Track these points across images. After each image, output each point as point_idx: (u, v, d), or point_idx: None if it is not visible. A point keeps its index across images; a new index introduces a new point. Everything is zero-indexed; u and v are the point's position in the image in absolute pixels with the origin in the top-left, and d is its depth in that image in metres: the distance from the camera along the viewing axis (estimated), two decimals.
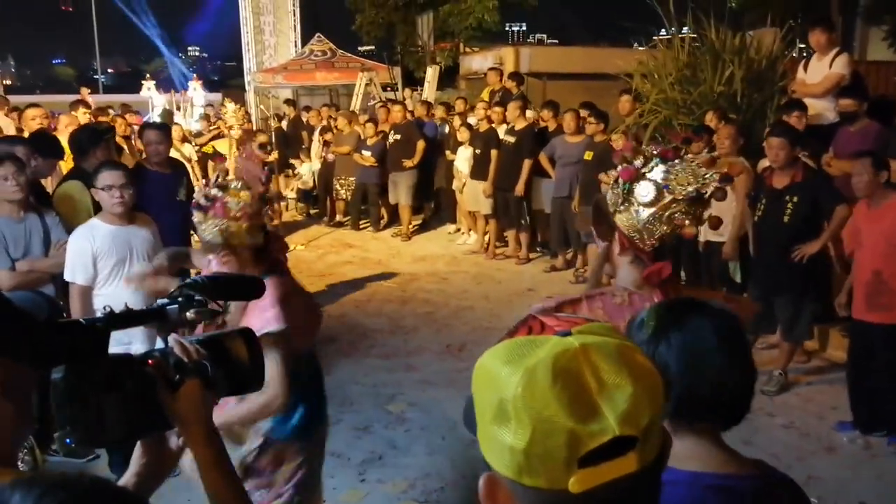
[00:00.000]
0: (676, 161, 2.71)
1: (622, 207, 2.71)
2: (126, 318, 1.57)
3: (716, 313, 1.64)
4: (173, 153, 9.11)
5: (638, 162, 2.73)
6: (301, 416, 3.32)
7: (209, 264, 3.40)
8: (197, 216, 3.13)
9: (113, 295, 4.62)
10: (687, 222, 2.69)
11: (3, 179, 4.83)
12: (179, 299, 1.68)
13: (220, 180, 3.17)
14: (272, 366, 2.88)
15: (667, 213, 2.66)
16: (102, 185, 4.60)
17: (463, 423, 1.10)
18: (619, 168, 2.76)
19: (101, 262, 4.62)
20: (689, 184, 2.67)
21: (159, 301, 1.71)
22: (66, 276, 4.63)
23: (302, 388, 3.27)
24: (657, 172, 2.69)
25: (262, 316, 3.02)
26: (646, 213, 2.66)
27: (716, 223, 2.91)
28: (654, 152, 2.74)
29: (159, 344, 1.64)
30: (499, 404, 0.98)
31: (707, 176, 2.69)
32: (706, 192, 2.70)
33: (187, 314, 1.67)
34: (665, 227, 2.67)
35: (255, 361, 1.67)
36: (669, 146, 2.78)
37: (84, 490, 0.95)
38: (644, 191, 2.68)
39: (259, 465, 3.29)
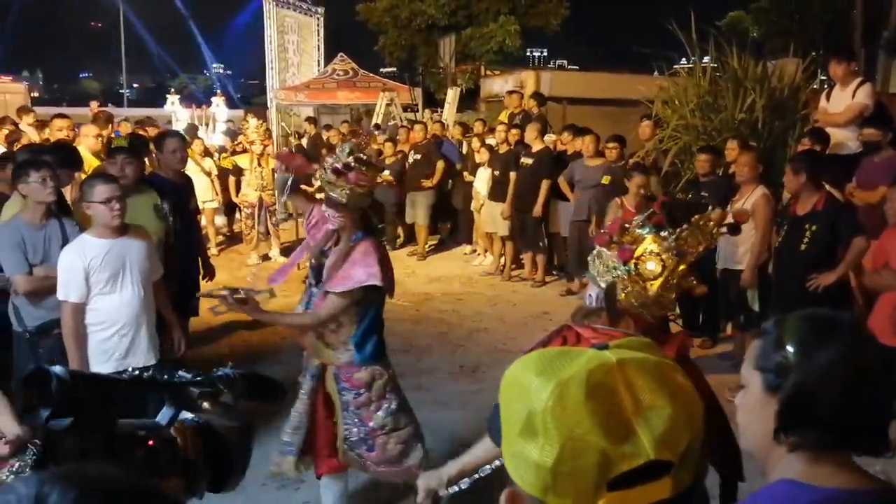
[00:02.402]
0: (684, 226, 2.66)
1: (630, 288, 2.64)
2: (145, 383, 1.53)
3: (854, 325, 1.58)
4: (194, 167, 9.16)
5: (627, 240, 2.68)
6: (373, 344, 4.24)
7: (316, 214, 4.32)
8: (331, 177, 3.88)
9: (105, 309, 4.65)
10: (695, 282, 2.67)
11: (41, 182, 4.87)
12: (204, 384, 1.59)
13: (356, 154, 3.91)
14: (335, 306, 4.05)
15: (675, 281, 2.63)
16: (101, 198, 4.54)
17: (487, 433, 1.06)
18: (613, 250, 2.69)
19: (94, 277, 4.57)
20: (699, 243, 2.65)
21: (183, 374, 1.61)
22: (60, 296, 4.57)
23: (375, 325, 4.25)
24: (654, 244, 2.63)
25: (366, 270, 3.98)
26: (656, 286, 2.61)
27: (734, 228, 2.88)
28: (642, 222, 2.68)
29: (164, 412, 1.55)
30: (527, 417, 0.93)
31: (715, 231, 2.68)
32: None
33: (204, 404, 1.57)
34: (673, 294, 2.65)
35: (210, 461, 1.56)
36: (652, 213, 2.72)
37: (122, 491, 0.92)
38: (651, 265, 2.63)
39: (355, 384, 4.18)
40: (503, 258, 11.45)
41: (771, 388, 1.57)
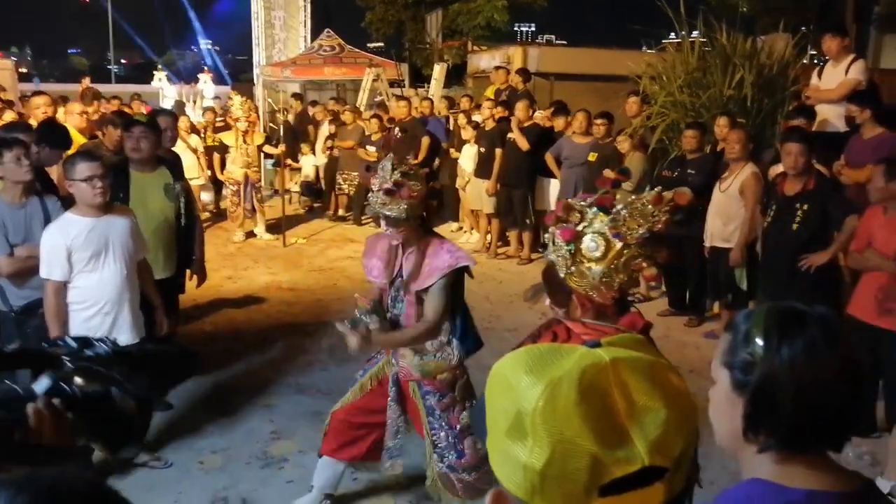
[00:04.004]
0: (620, 207, 2.60)
1: (573, 269, 2.60)
2: (12, 357, 1.50)
3: (825, 320, 1.53)
4: (180, 143, 9.09)
5: (574, 218, 2.63)
6: (472, 333, 4.25)
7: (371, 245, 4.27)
8: (385, 199, 3.82)
9: (88, 287, 4.63)
10: (644, 264, 2.59)
11: (16, 161, 4.79)
12: (77, 360, 1.54)
13: (401, 168, 3.87)
14: (440, 300, 3.96)
15: (622, 261, 2.56)
16: (82, 176, 4.50)
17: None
18: (557, 229, 2.66)
19: (76, 256, 4.55)
20: (640, 225, 2.57)
21: (68, 341, 1.58)
22: (42, 274, 4.56)
23: (468, 314, 4.26)
24: (600, 224, 2.59)
25: (450, 255, 3.96)
26: (599, 267, 2.56)
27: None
28: (589, 203, 2.64)
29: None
30: (516, 416, 0.88)
31: (656, 214, 2.58)
32: (656, 230, 2.59)
33: (76, 379, 1.49)
34: (623, 276, 2.57)
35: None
36: (603, 193, 2.67)
37: (54, 488, 0.88)
38: (592, 245, 2.57)
39: (438, 387, 4.10)
40: (489, 235, 11.41)
41: (738, 386, 1.53)
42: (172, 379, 1.86)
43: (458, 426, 4.16)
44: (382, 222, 3.95)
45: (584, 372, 0.88)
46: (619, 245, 2.56)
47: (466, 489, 4.15)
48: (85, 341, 1.58)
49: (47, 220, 4.85)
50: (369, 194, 3.99)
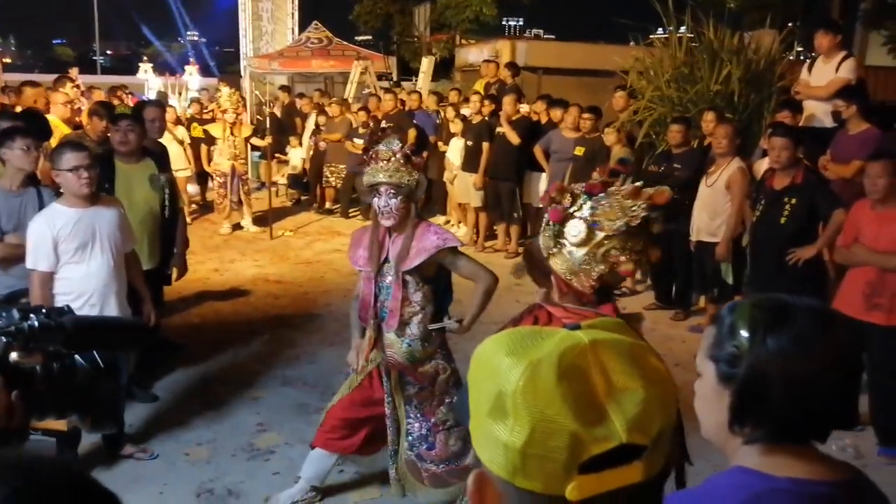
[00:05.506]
0: (602, 195, 2.60)
1: (555, 250, 2.61)
2: None
3: (812, 311, 1.52)
4: (166, 135, 9.06)
5: (566, 201, 2.64)
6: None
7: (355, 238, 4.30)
8: (396, 167, 3.93)
9: (74, 278, 4.61)
10: (623, 258, 2.57)
11: (25, 150, 4.84)
12: (12, 334, 1.47)
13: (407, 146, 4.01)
14: (470, 262, 4.19)
15: (601, 251, 2.55)
16: (68, 166, 4.49)
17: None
18: (548, 209, 2.67)
19: (63, 247, 4.54)
20: (618, 218, 2.55)
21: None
22: (28, 265, 4.54)
23: (449, 295, 4.43)
24: (586, 210, 2.59)
25: (443, 235, 4.07)
26: (579, 253, 2.56)
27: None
28: (582, 189, 2.64)
29: None
30: (497, 397, 0.89)
31: (634, 208, 2.56)
32: (637, 224, 2.57)
33: (12, 354, 1.45)
34: (602, 266, 2.56)
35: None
36: (597, 180, 2.67)
37: (41, 476, 0.87)
38: (574, 230, 2.58)
39: (419, 378, 4.17)
40: (477, 229, 11.41)
41: (725, 379, 1.53)
42: (122, 347, 1.81)
43: (433, 419, 4.20)
44: (383, 198, 3.96)
45: (564, 353, 0.89)
46: (599, 235, 2.56)
47: (431, 479, 4.19)
48: (26, 312, 1.52)
49: (42, 209, 4.84)
50: (367, 167, 4.01)
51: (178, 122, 13.00)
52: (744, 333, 1.50)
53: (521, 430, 0.86)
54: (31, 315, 1.50)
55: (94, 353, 1.55)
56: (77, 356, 1.50)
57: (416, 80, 18.41)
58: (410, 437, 4.21)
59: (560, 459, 0.85)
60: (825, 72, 7.83)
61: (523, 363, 0.89)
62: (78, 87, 12.10)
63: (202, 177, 13.33)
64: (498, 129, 10.59)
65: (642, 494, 0.90)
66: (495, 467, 0.90)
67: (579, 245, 2.57)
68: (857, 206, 5.52)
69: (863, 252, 5.32)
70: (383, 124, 12.57)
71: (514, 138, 10.27)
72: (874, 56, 19.55)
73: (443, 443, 4.17)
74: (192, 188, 13.05)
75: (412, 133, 12.24)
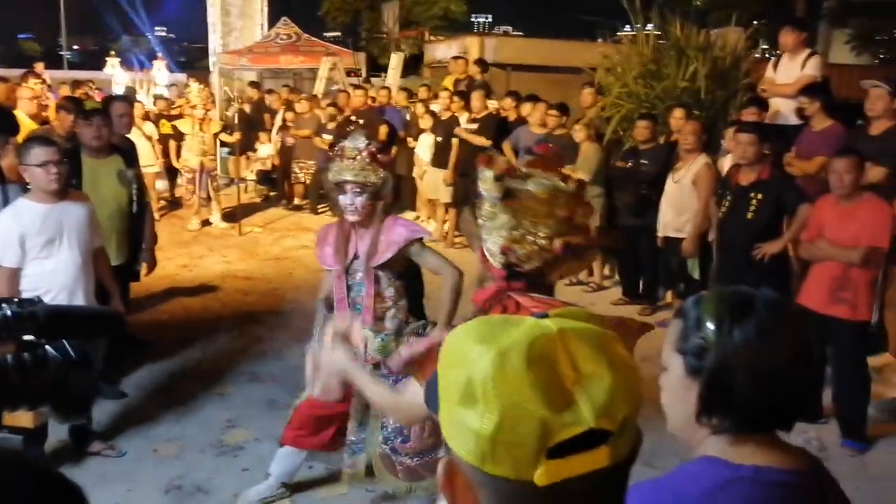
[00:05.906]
0: (488, 171, 2.56)
1: (478, 212, 2.61)
2: None
3: (773, 303, 1.55)
4: (135, 131, 9.00)
5: (496, 169, 2.59)
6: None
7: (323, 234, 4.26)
8: (362, 165, 3.91)
9: (41, 274, 4.57)
10: (516, 235, 2.53)
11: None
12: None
13: (374, 143, 4.04)
14: (436, 256, 4.23)
15: (520, 233, 2.51)
16: (37, 161, 4.45)
17: (424, 401, 1.03)
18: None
19: (30, 242, 4.50)
20: (496, 191, 2.53)
21: None
22: None
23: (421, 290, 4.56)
24: (487, 186, 2.56)
25: (411, 227, 4.18)
26: (489, 223, 2.57)
27: None
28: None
29: None
30: (466, 385, 0.91)
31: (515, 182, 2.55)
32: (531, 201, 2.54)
33: None
34: (525, 249, 2.52)
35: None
36: (484, 154, 2.68)
37: (5, 469, 0.88)
38: (483, 207, 2.58)
39: (393, 371, 3.96)
40: (446, 224, 11.42)
41: (692, 371, 1.55)
42: (93, 335, 1.81)
43: None
44: (348, 196, 3.94)
45: (532, 341, 0.91)
46: (498, 210, 2.54)
47: (405, 472, 4.16)
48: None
49: (7, 205, 4.80)
50: (332, 164, 4.00)
51: (146, 117, 12.89)
52: (710, 326, 1.52)
53: (490, 416, 0.87)
54: (3, 304, 1.49)
55: (66, 344, 1.54)
56: (49, 347, 1.50)
57: (385, 77, 18.38)
58: (385, 431, 4.20)
59: (529, 445, 0.87)
60: (791, 69, 7.91)
61: (493, 351, 0.91)
62: (44, 82, 11.96)
63: (171, 173, 13.23)
64: (465, 126, 10.61)
65: (609, 479, 0.92)
66: (465, 454, 0.91)
67: (487, 217, 2.58)
68: (821, 201, 5.58)
69: (826, 247, 5.39)
70: (352, 118, 12.57)
71: (481, 140, 10.24)
72: (838, 54, 19.82)
73: (417, 436, 4.17)
74: (161, 184, 12.96)
75: (383, 129, 12.26)
